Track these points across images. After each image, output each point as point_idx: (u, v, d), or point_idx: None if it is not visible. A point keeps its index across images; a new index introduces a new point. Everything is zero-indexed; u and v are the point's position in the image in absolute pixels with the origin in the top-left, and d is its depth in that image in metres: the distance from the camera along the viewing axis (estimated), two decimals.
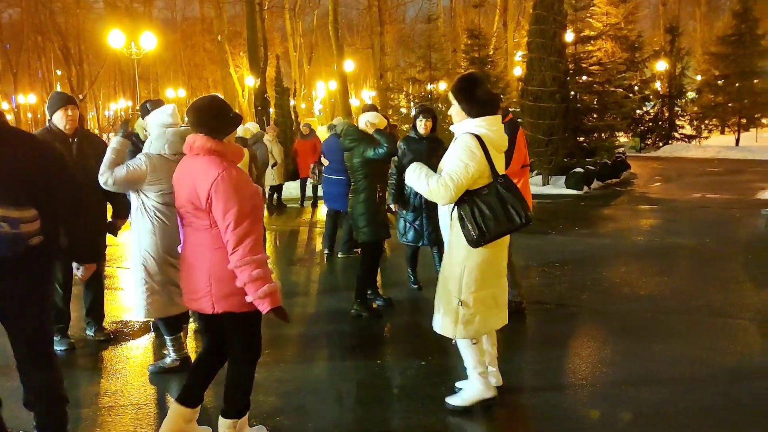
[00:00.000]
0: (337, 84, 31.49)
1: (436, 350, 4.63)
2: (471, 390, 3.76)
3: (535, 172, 14.46)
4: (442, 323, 3.67)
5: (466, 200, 3.48)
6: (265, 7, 30.44)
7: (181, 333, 4.46)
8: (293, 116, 21.40)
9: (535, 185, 13.96)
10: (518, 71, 24.57)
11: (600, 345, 4.96)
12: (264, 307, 2.96)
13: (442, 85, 20.30)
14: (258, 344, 3.24)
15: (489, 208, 3.44)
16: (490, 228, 3.43)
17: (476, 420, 3.75)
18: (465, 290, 3.55)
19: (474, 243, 3.47)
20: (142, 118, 4.84)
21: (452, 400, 3.79)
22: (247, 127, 10.08)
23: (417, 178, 3.55)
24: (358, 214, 5.53)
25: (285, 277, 7.34)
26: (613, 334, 5.12)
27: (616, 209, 11.58)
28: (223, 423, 3.22)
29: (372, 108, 5.85)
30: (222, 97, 3.54)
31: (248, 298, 2.96)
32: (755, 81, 22.98)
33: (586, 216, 10.97)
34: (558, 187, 13.60)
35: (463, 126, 3.62)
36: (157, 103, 4.68)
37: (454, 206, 3.54)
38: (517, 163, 5.13)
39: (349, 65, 34.32)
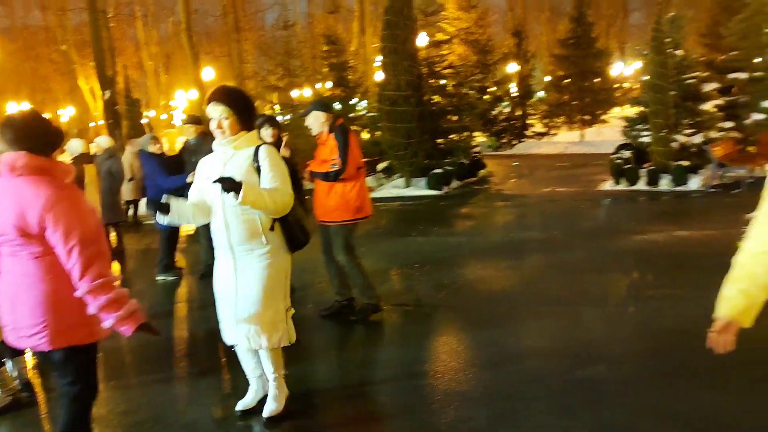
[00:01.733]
0: (197, 93, 30.49)
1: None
2: (282, 392, 3.82)
3: (397, 174, 14.70)
4: (268, 336, 3.57)
5: None
6: (110, 15, 28.87)
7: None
8: (149, 129, 20.42)
9: (397, 187, 14.23)
10: (378, 76, 24.98)
11: (457, 342, 5.09)
12: (129, 329, 2.74)
13: (306, 92, 20.21)
14: (96, 381, 2.98)
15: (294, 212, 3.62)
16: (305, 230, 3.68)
17: (343, 419, 3.69)
18: (287, 296, 3.67)
19: (299, 246, 3.64)
20: None
21: (270, 411, 3.75)
22: (97, 142, 9.48)
23: (259, 196, 3.39)
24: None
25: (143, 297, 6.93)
26: (468, 330, 5.28)
27: (473, 207, 12.01)
28: None
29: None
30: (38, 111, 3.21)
31: (107, 323, 2.72)
32: (594, 80, 24.85)
33: (445, 216, 11.29)
34: (419, 189, 13.91)
35: (253, 138, 3.58)
36: None
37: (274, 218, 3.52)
38: (352, 166, 5.20)
39: (208, 73, 33.34)
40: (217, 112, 3.44)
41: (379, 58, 15.90)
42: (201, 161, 3.69)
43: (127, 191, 11.77)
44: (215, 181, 3.32)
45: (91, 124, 40.26)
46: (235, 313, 3.54)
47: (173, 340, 5.55)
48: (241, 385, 4.03)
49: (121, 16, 35.52)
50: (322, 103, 5.39)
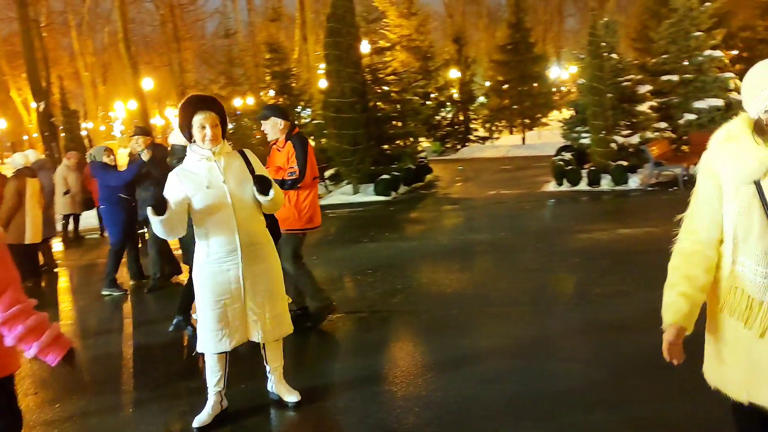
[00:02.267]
0: (137, 103, 29.82)
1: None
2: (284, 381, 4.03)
3: (345, 181, 14.71)
4: (287, 325, 3.88)
5: None
6: (43, 24, 27.97)
7: None
8: (88, 140, 19.87)
9: (346, 194, 14.24)
10: (322, 84, 24.95)
11: (413, 346, 5.12)
12: (54, 357, 2.56)
13: (250, 100, 20.00)
14: (20, 412, 2.77)
15: None
16: None
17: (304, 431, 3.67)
18: None
19: (276, 241, 3.97)
20: None
21: (294, 397, 3.95)
22: (26, 155, 9.15)
23: (279, 192, 3.70)
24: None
25: (89, 313, 6.73)
26: (423, 334, 5.32)
27: (422, 212, 12.11)
28: None
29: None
30: None
31: (29, 354, 2.55)
32: (533, 84, 25.44)
33: (395, 221, 11.35)
34: (367, 195, 13.95)
35: (226, 144, 3.73)
36: None
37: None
38: (310, 175, 5.18)
39: (148, 83, 32.67)
40: (210, 120, 3.50)
41: (323, 65, 15.91)
42: (176, 172, 3.61)
43: (63, 205, 11.44)
44: (257, 182, 3.56)
45: (25, 137, 38.86)
46: (251, 310, 3.64)
47: (121, 357, 5.41)
48: (197, 401, 3.96)
49: (54, 26, 34.47)
50: (280, 110, 5.34)
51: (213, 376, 3.79)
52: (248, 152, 3.75)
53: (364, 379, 4.41)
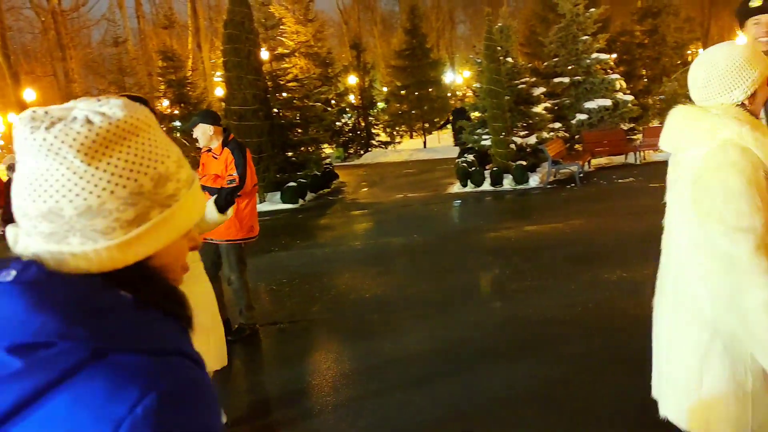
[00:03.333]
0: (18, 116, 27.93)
1: None
2: None
3: None
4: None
5: None
6: None
7: None
8: None
9: None
10: (220, 92, 24.38)
11: (335, 355, 5.04)
12: None
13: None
14: None
15: None
16: None
17: None
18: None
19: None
20: None
21: None
22: None
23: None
24: None
25: None
26: (346, 341, 5.25)
27: (332, 218, 12.04)
28: None
29: None
30: None
31: None
32: (430, 89, 25.99)
33: (305, 228, 11.21)
34: (274, 203, 13.72)
35: None
36: None
37: None
38: (250, 183, 5.04)
39: (30, 94, 30.68)
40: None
41: (219, 73, 15.52)
42: None
43: None
44: (216, 200, 3.40)
45: None
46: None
47: None
48: None
49: None
50: (209, 115, 5.12)
51: None
52: None
53: (293, 393, 4.29)
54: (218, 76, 25.92)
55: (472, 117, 15.34)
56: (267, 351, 5.29)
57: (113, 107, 0.81)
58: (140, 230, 0.81)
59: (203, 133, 4.98)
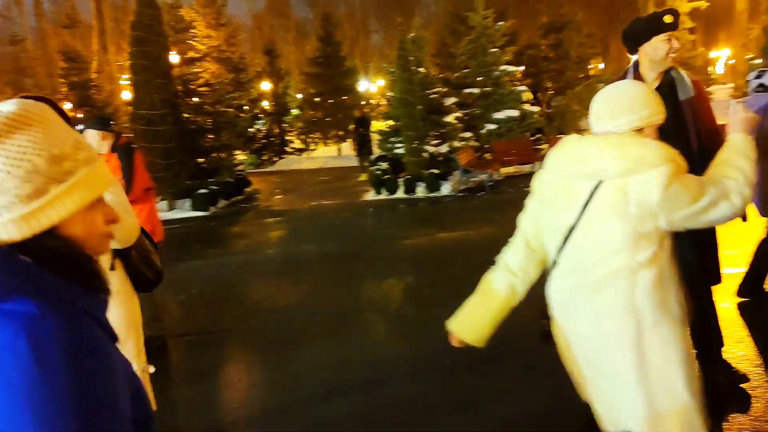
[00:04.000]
0: None
1: None
2: None
3: (159, 197, 13.91)
4: None
5: None
6: None
7: None
8: None
9: (161, 210, 13.39)
10: (127, 95, 23.51)
11: (247, 366, 4.96)
12: None
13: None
14: None
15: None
16: None
17: None
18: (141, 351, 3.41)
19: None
20: None
21: None
22: None
23: None
24: None
25: None
26: (260, 352, 5.17)
27: (245, 225, 11.84)
28: None
29: None
30: None
31: None
32: (344, 97, 26.04)
33: (217, 236, 10.97)
34: (184, 210, 13.34)
35: None
36: None
37: None
38: (139, 187, 4.88)
39: None
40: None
41: (126, 76, 14.98)
42: None
43: None
44: None
45: None
46: None
47: None
48: None
49: None
50: (96, 121, 4.92)
51: None
52: None
53: (203, 406, 4.18)
54: (125, 79, 25.02)
55: (384, 126, 15.50)
56: (176, 364, 5.12)
57: (8, 104, 0.99)
58: (40, 202, 0.95)
59: (92, 138, 4.83)
